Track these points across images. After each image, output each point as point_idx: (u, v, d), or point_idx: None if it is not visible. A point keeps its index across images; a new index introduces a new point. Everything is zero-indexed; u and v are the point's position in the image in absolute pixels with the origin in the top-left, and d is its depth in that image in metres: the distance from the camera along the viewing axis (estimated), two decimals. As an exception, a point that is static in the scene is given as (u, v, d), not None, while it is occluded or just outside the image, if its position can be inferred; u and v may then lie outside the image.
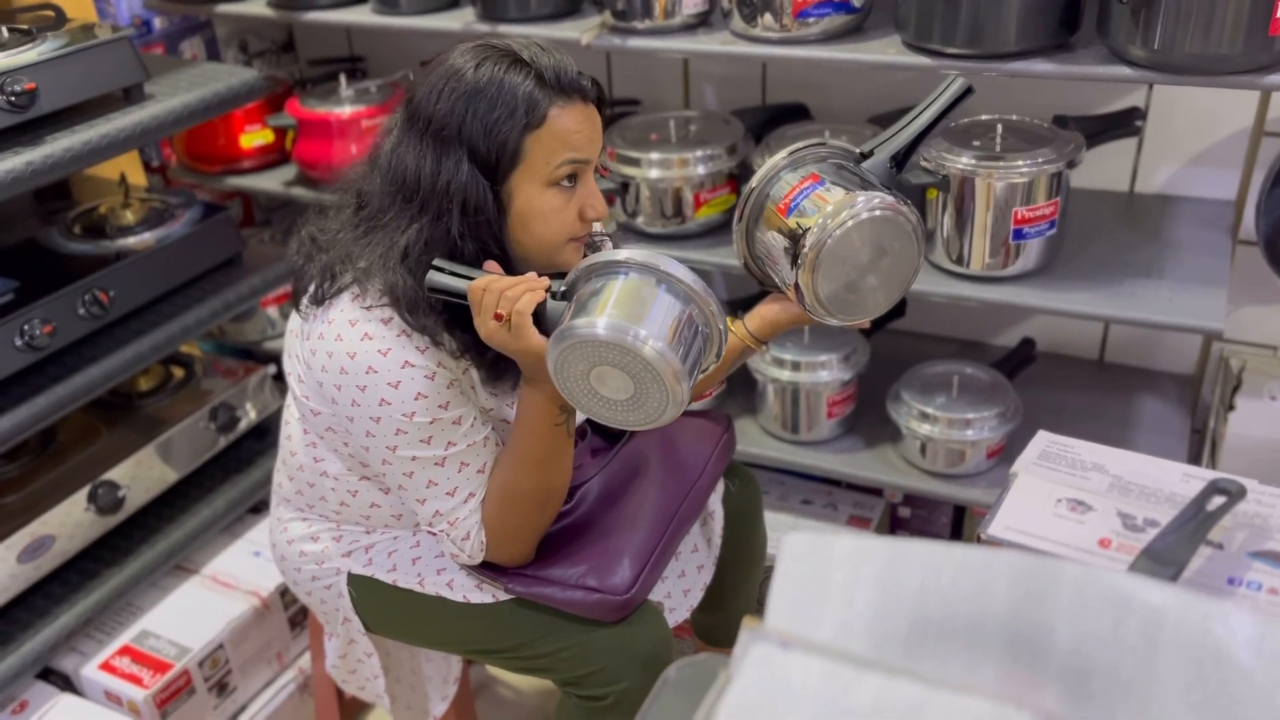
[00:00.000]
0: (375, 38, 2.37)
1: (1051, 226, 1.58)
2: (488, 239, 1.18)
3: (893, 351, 1.99)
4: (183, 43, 2.23)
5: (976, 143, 1.59)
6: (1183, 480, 0.98)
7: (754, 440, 1.88)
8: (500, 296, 1.11)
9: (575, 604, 1.26)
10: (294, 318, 1.32)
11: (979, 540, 0.94)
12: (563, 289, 1.13)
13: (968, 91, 1.33)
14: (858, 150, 1.33)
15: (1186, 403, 1.88)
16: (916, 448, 1.76)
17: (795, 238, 1.26)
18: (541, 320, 1.12)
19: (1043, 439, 1.06)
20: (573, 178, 1.18)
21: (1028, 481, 0.99)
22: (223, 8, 2.04)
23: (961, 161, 1.55)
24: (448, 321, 1.18)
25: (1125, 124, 1.68)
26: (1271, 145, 1.70)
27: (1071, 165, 1.55)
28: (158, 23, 2.17)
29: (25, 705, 1.58)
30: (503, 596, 1.31)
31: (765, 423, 1.89)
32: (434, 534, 1.27)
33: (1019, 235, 1.56)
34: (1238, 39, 1.30)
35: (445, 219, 1.15)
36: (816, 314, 1.27)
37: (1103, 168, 1.84)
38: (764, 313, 1.36)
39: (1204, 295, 1.52)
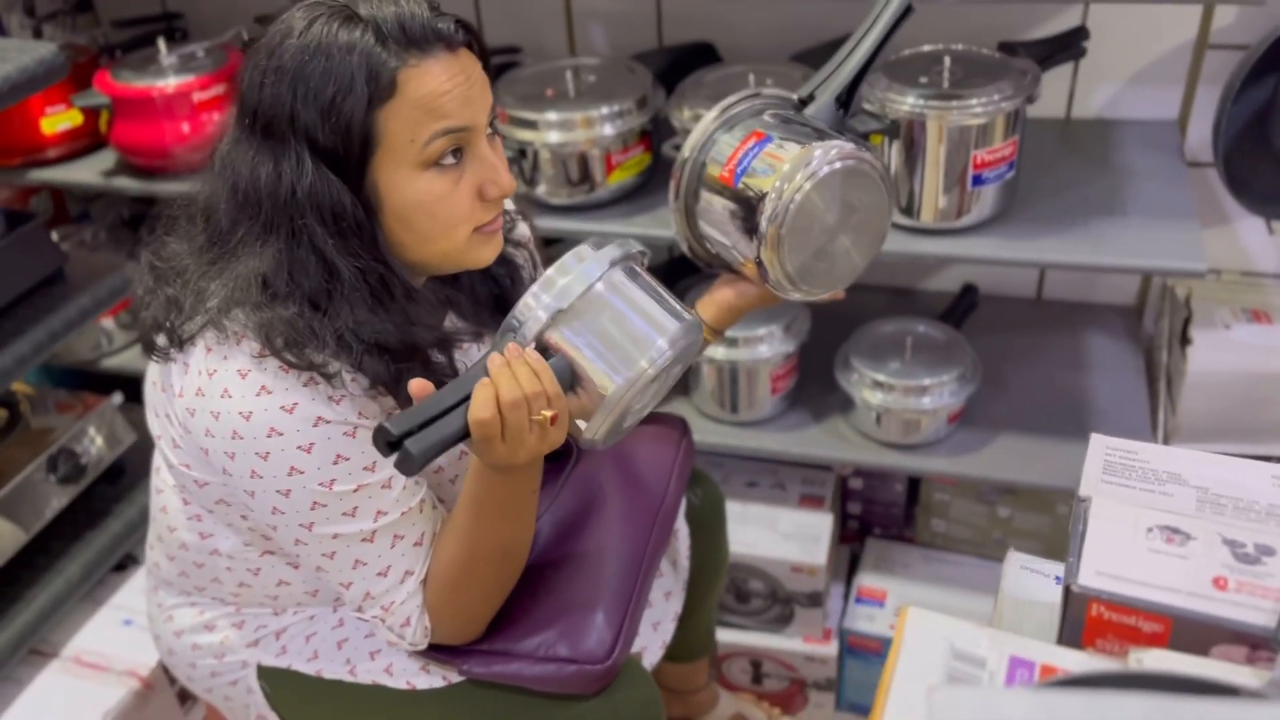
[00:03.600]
0: (192, -10, 2.02)
1: (1010, 168, 1.42)
2: (362, 252, 0.94)
3: (827, 309, 1.82)
4: (-47, 10, 1.84)
5: (923, 79, 1.41)
6: (1273, 485, 0.84)
7: (691, 425, 1.69)
8: (528, 404, 0.87)
9: (549, 680, 1.06)
10: (151, 366, 1.05)
11: (1067, 591, 0.78)
12: (532, 345, 0.92)
13: (908, 10, 1.16)
14: (795, 96, 1.15)
15: (1133, 336, 1.79)
16: (871, 418, 1.60)
17: (750, 207, 1.07)
18: None
19: (1099, 445, 0.90)
20: (458, 152, 0.94)
21: (1105, 507, 0.83)
22: (-1, -35, 1.67)
23: (908, 102, 1.38)
24: (352, 349, 0.94)
25: (1072, 45, 1.53)
26: (1216, 59, 1.58)
27: (1030, 100, 1.39)
28: (-84, -13, 1.78)
29: None
30: (455, 679, 1.09)
31: (701, 404, 1.70)
32: (364, 620, 1.03)
33: (978, 181, 1.40)
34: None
35: (304, 235, 0.91)
36: (783, 290, 1.10)
37: (1036, 93, 1.69)
38: (720, 298, 1.18)
39: (1176, 232, 1.40)
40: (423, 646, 1.04)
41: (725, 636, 1.71)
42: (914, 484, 1.82)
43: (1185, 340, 1.65)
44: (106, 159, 1.82)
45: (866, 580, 1.73)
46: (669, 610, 1.29)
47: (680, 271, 1.71)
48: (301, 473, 0.93)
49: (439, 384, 1.01)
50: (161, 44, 1.77)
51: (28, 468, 1.51)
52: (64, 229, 2.01)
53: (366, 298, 0.95)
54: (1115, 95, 1.67)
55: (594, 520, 1.18)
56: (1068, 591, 0.77)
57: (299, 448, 0.93)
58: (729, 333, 1.59)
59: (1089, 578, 0.77)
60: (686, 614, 1.40)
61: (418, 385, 0.89)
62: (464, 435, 0.88)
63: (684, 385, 1.73)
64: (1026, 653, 0.73)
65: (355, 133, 0.90)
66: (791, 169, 1.06)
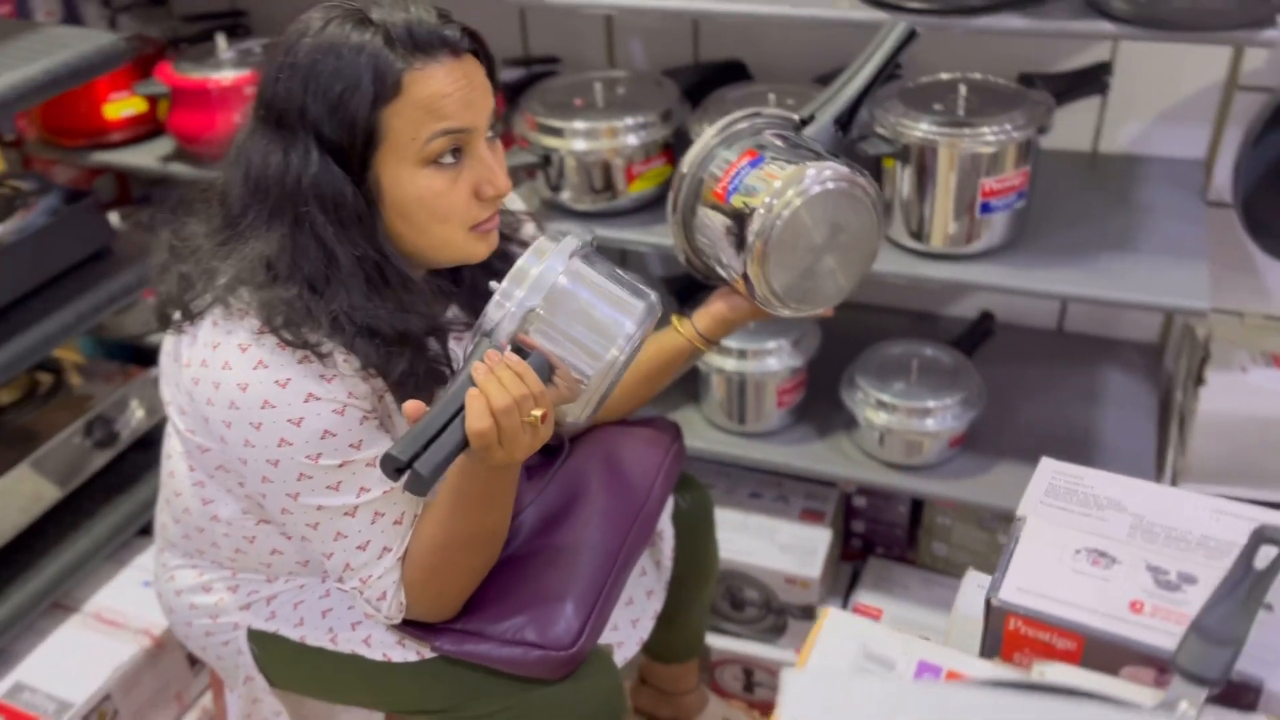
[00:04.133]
0: (258, -11, 2.11)
1: (1020, 198, 1.44)
2: (361, 241, 0.99)
3: (843, 328, 1.84)
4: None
5: (938, 106, 1.44)
6: (1213, 518, 0.85)
7: (698, 433, 1.73)
8: (517, 406, 0.91)
9: (514, 662, 1.10)
10: (167, 338, 1.12)
11: (988, 605, 0.80)
12: (510, 348, 0.96)
13: (911, 36, 1.19)
14: (797, 117, 1.18)
15: (1152, 374, 1.78)
16: (874, 438, 1.62)
17: (740, 222, 1.11)
18: None
19: (1047, 469, 0.92)
20: (457, 152, 1.00)
21: (1038, 527, 0.85)
22: (76, -42, 1.78)
23: (921, 128, 1.40)
24: (345, 330, 0.99)
25: (1094, 81, 1.53)
26: (1245, 101, 1.58)
27: (1042, 131, 1.40)
28: (3, -23, 1.90)
29: (-121, 782, 1.38)
30: (428, 654, 1.14)
31: (710, 413, 1.74)
32: (345, 590, 1.09)
33: (986, 209, 1.42)
34: (1233, -10, 1.16)
35: (307, 223, 0.97)
36: (770, 306, 1.14)
37: (1063, 126, 1.69)
38: (714, 310, 1.21)
39: (1183, 270, 1.40)
40: (397, 620, 1.09)
41: (719, 643, 1.74)
42: (917, 506, 1.83)
43: (1199, 380, 1.64)
44: (164, 145, 1.92)
45: (864, 598, 1.75)
46: (649, 609, 1.32)
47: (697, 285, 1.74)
48: (290, 444, 0.99)
49: (430, 370, 1.06)
50: (221, 39, 1.86)
51: (65, 430, 1.60)
52: (125, 210, 2.11)
53: (362, 284, 1.00)
54: (1143, 132, 1.67)
55: (576, 515, 1.22)
56: (988, 605, 0.80)
57: (289, 420, 0.98)
58: (739, 345, 1.64)
59: (1010, 593, 0.79)
60: (674, 616, 1.43)
61: (412, 407, 0.93)
62: (464, 446, 0.91)
63: (694, 394, 1.76)
64: (935, 658, 0.76)
65: (360, 128, 0.96)
66: (783, 186, 1.09)
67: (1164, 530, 0.84)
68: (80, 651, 1.54)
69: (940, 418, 1.58)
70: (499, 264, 1.17)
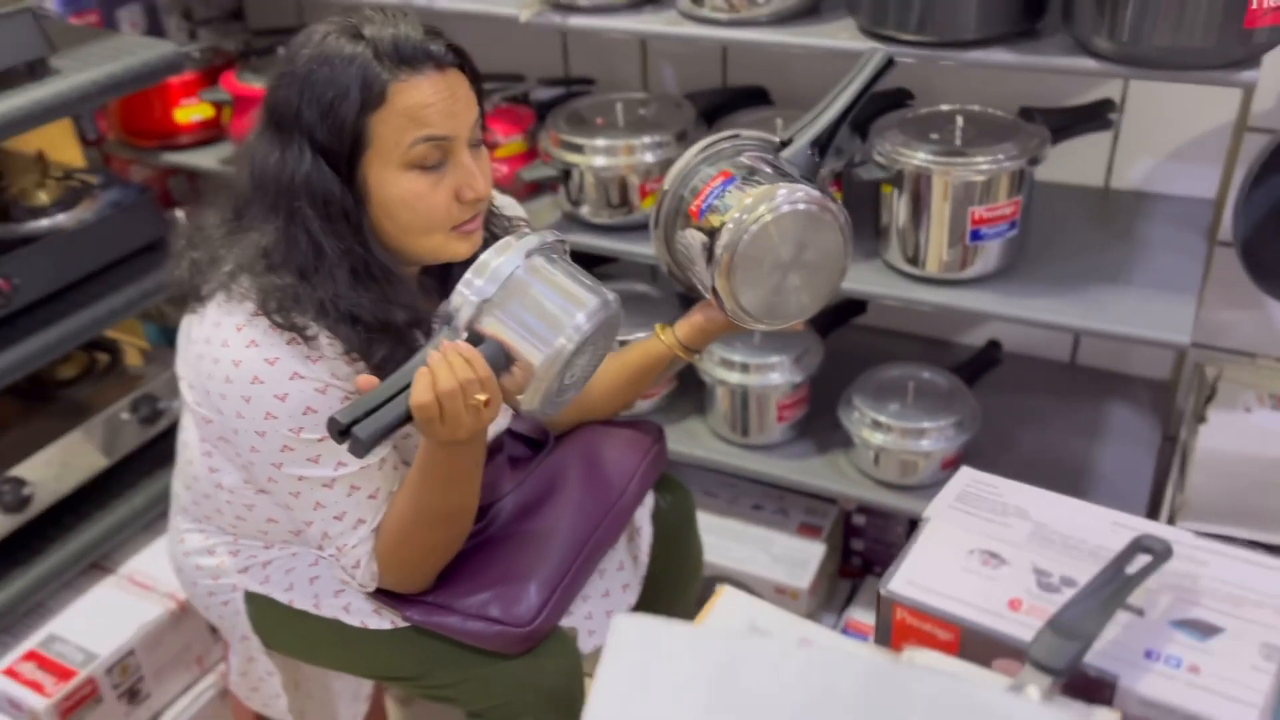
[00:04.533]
0: (324, 8, 2.25)
1: (1012, 227, 1.47)
2: (348, 235, 1.08)
3: (851, 350, 1.89)
4: (120, 10, 2.12)
5: (935, 135, 1.49)
6: (1111, 530, 0.88)
7: (703, 443, 1.79)
8: (462, 391, 0.98)
9: (475, 635, 1.18)
10: (185, 317, 1.23)
11: (878, 596, 0.85)
12: (465, 334, 1.03)
13: (889, 64, 1.23)
14: (777, 139, 1.24)
15: (1161, 410, 1.79)
16: (869, 457, 1.66)
17: (712, 237, 1.17)
18: None
19: (964, 476, 0.96)
20: (440, 157, 1.08)
21: (940, 529, 0.90)
22: (156, -26, 1.93)
23: (917, 157, 1.45)
24: (330, 316, 1.09)
25: (1097, 117, 1.57)
26: (1254, 141, 1.59)
27: (1034, 162, 1.44)
28: (93, -10, 2.07)
29: (-78, 712, 1.52)
30: (401, 623, 1.22)
31: (714, 425, 1.80)
32: (324, 557, 1.18)
33: (976, 236, 1.46)
34: (1211, 31, 1.20)
35: (299, 218, 1.07)
36: (739, 319, 1.19)
37: (1076, 161, 1.73)
38: (693, 320, 1.28)
39: (1172, 304, 1.42)
40: (370, 588, 1.18)
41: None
42: (915, 527, 1.85)
43: (1201, 418, 1.65)
44: (226, 149, 2.06)
45: (857, 614, 1.78)
46: (624, 601, 1.38)
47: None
48: (275, 418, 1.09)
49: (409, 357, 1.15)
50: (283, 51, 1.99)
51: (114, 405, 1.73)
52: (192, 208, 2.26)
53: (347, 275, 1.10)
54: (1154, 169, 1.69)
55: (551, 505, 1.29)
56: (878, 597, 0.85)
57: (275, 396, 1.08)
58: (742, 359, 1.70)
59: (899, 585, 0.84)
60: (656, 614, 1.49)
61: (364, 380, 1.01)
62: (407, 419, 0.99)
63: (699, 405, 1.83)
64: (816, 637, 0.81)
65: (348, 133, 1.06)
66: (753, 204, 1.15)
67: (1060, 538, 0.88)
68: (111, 610, 1.66)
69: (934, 439, 1.61)
70: None
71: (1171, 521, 1.67)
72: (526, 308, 1.01)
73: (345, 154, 1.07)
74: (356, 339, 1.09)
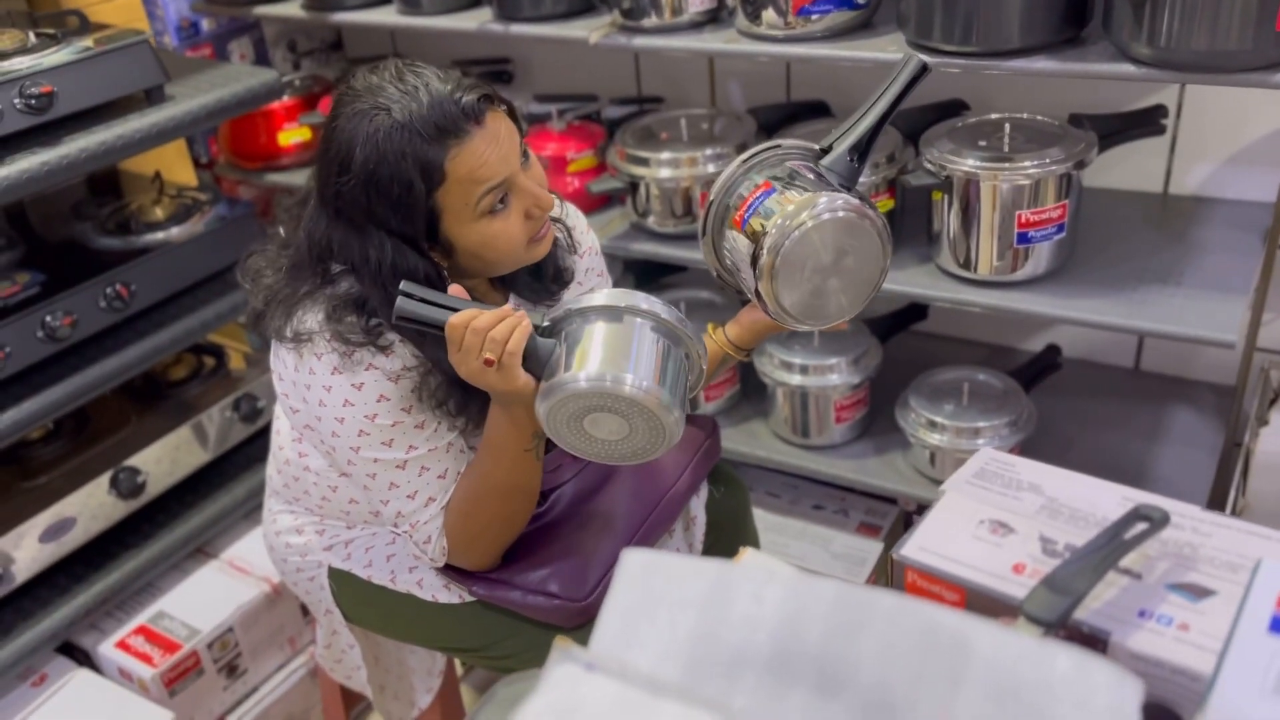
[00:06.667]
0: (414, 38, 2.41)
1: (1060, 230, 1.51)
2: (435, 280, 1.16)
3: (912, 355, 1.94)
4: (230, 43, 2.30)
5: (983, 142, 1.54)
6: (1120, 505, 0.93)
7: (765, 444, 1.86)
8: (485, 339, 1.07)
9: (535, 609, 1.27)
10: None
11: (890, 561, 0.91)
12: (546, 324, 1.12)
13: (924, 70, 1.28)
14: (818, 147, 1.30)
15: (1224, 415, 1.79)
16: (925, 456, 1.71)
17: (756, 243, 1.24)
18: (528, 357, 1.10)
19: (983, 456, 1.02)
20: (504, 196, 1.15)
21: (954, 500, 0.96)
22: (262, 9, 2.10)
23: (966, 163, 1.50)
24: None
25: (1149, 123, 1.60)
26: (1313, 144, 1.60)
27: (1081, 166, 1.48)
28: (205, 24, 2.25)
29: (44, 678, 1.67)
30: (468, 597, 1.32)
31: (776, 426, 1.86)
32: (398, 534, 1.29)
33: (1024, 239, 1.50)
34: (1246, 34, 1.23)
35: (379, 283, 1.16)
36: (782, 320, 1.25)
37: (1135, 168, 1.75)
38: (744, 320, 1.35)
39: (1222, 303, 1.44)
40: (440, 563, 1.28)
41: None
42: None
43: (1264, 421, 1.65)
44: (323, 169, 2.22)
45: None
46: (680, 586, 1.46)
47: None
48: (353, 405, 1.20)
49: None
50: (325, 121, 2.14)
51: (218, 404, 1.88)
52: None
53: None
54: (1211, 175, 1.70)
55: (608, 491, 1.38)
56: (891, 560, 0.91)
57: (353, 385, 1.19)
58: (801, 360, 1.76)
59: (910, 550, 0.91)
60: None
61: (456, 287, 1.12)
62: (440, 327, 1.09)
63: (761, 407, 1.89)
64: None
65: (420, 213, 1.13)
66: (795, 210, 1.21)
67: (1069, 511, 0.93)
68: (213, 591, 1.81)
69: (988, 438, 1.65)
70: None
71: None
72: (598, 339, 1.08)
73: (423, 230, 1.15)
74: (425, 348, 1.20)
